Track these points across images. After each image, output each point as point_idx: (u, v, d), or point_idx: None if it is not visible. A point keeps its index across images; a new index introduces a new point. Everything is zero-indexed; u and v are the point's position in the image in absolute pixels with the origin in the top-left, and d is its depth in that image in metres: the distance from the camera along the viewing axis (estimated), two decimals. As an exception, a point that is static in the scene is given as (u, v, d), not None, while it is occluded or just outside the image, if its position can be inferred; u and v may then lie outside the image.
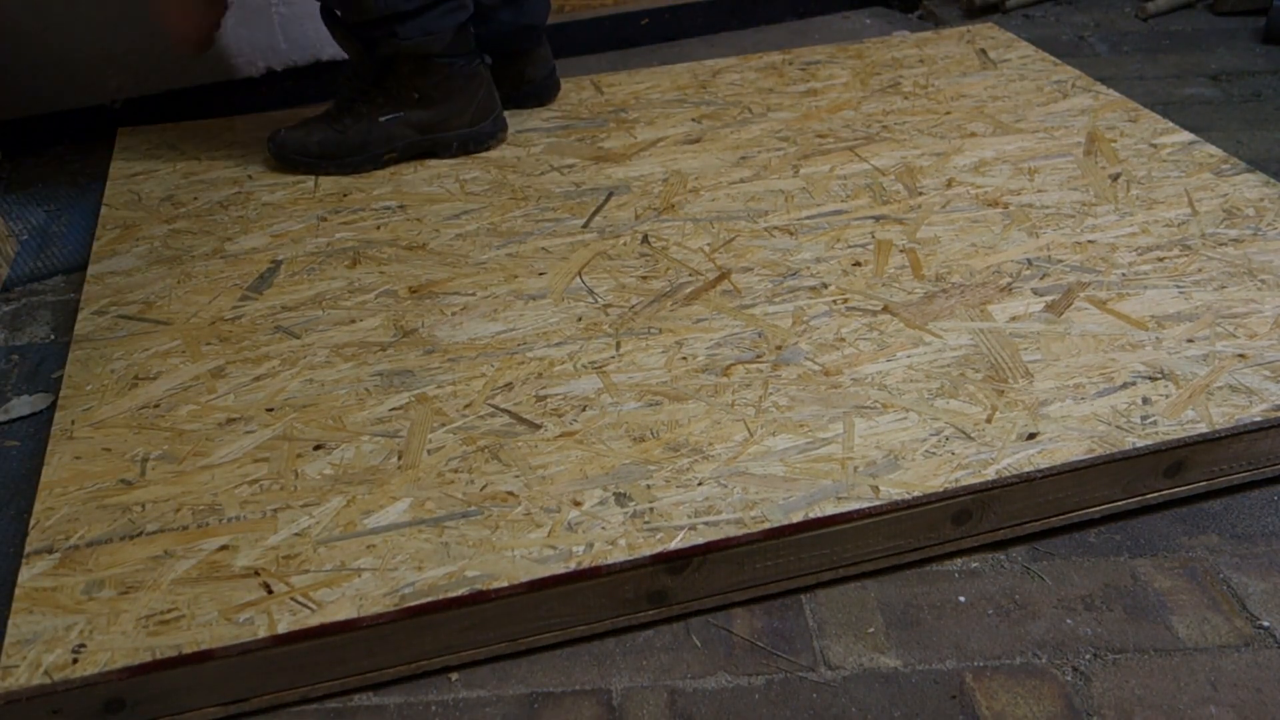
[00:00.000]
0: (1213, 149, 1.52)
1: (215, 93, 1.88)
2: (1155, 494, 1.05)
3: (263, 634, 0.85)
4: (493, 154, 1.60)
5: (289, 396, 1.11)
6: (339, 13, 1.49)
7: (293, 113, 1.73)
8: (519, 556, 0.92)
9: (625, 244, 1.35)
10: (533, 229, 1.40)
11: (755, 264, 1.30)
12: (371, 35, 1.48)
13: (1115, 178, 1.46)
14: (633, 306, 1.23)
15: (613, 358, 1.15)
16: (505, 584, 0.89)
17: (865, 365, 1.12)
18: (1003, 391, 1.08)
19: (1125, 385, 1.09)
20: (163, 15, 1.49)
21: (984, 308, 1.21)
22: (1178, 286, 1.23)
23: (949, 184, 1.46)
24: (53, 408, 1.18)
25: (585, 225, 1.40)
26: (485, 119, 1.59)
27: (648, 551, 0.91)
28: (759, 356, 1.14)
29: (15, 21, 1.72)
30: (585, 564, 0.90)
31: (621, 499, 0.97)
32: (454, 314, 1.23)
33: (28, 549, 0.94)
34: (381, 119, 1.53)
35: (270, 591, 0.89)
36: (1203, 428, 1.03)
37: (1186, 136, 1.56)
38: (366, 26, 1.47)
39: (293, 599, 0.88)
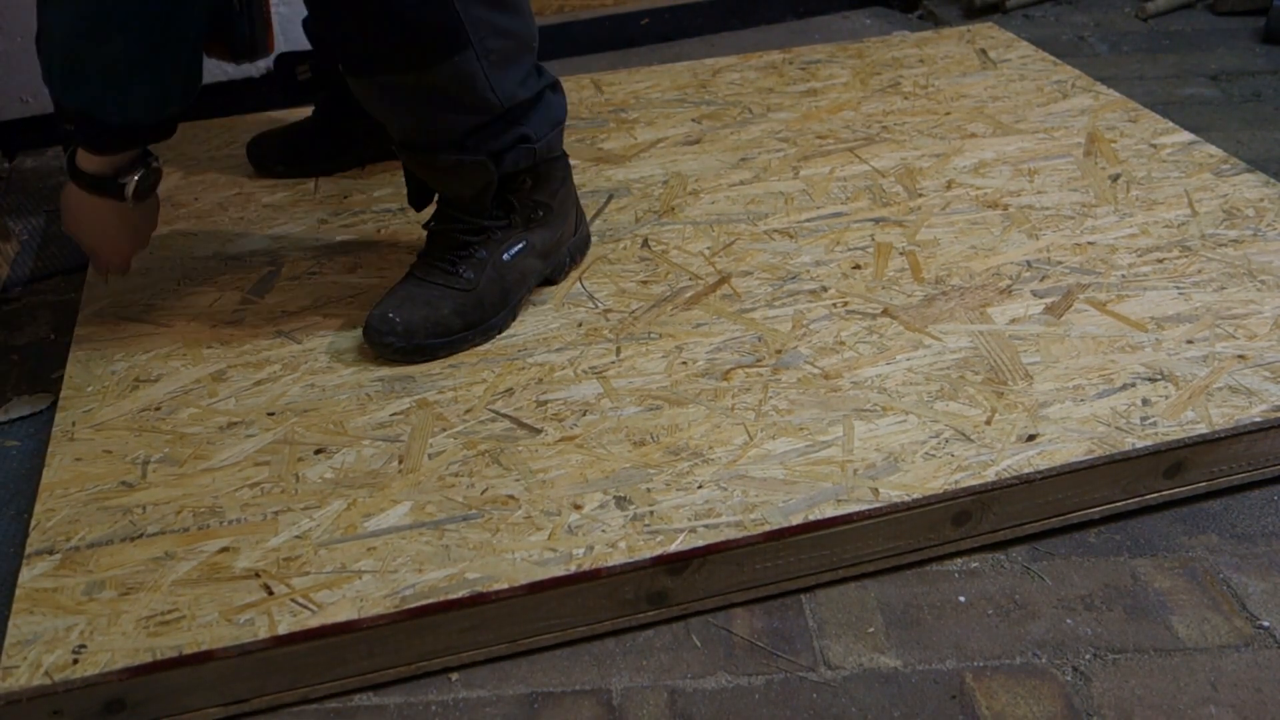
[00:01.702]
0: (1213, 149, 1.52)
1: (215, 93, 1.88)
2: (1155, 494, 1.05)
3: (263, 635, 0.86)
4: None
5: (290, 401, 1.11)
6: (457, 136, 1.13)
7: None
8: (519, 559, 0.92)
9: (625, 248, 1.35)
10: (533, 230, 1.40)
11: (755, 268, 1.30)
12: (499, 149, 1.15)
13: (1115, 178, 1.46)
14: (633, 311, 1.23)
15: (613, 363, 1.15)
16: (505, 586, 0.89)
17: (865, 368, 1.13)
18: (1002, 394, 1.08)
19: (1125, 387, 1.09)
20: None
21: (983, 310, 1.21)
22: (1177, 288, 1.24)
23: (949, 185, 1.46)
24: (53, 408, 1.18)
25: (585, 226, 1.40)
26: (581, 218, 1.32)
27: (648, 554, 0.91)
28: (759, 361, 1.14)
29: (16, 21, 1.72)
30: (585, 566, 0.91)
31: (622, 502, 0.97)
32: (454, 315, 1.23)
33: (28, 550, 0.94)
34: (506, 256, 1.20)
35: (271, 593, 0.89)
36: (1202, 428, 1.03)
37: (1186, 136, 1.56)
38: (491, 136, 1.14)
39: (293, 600, 0.88)
